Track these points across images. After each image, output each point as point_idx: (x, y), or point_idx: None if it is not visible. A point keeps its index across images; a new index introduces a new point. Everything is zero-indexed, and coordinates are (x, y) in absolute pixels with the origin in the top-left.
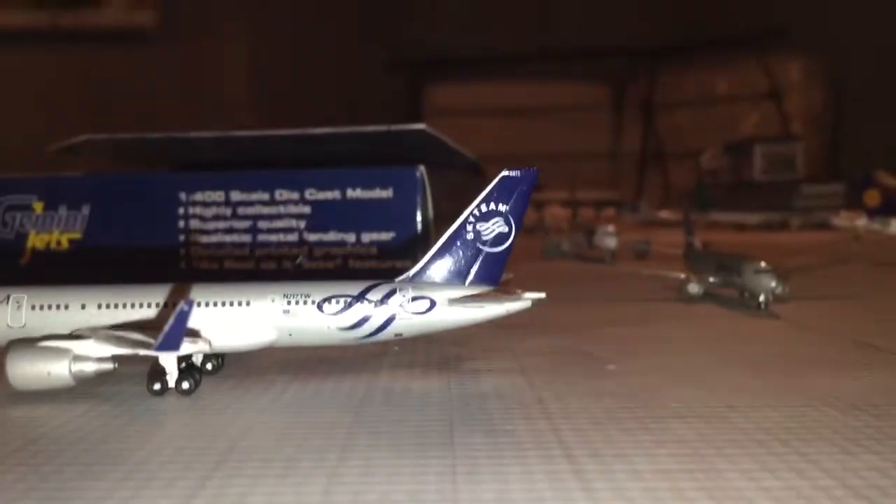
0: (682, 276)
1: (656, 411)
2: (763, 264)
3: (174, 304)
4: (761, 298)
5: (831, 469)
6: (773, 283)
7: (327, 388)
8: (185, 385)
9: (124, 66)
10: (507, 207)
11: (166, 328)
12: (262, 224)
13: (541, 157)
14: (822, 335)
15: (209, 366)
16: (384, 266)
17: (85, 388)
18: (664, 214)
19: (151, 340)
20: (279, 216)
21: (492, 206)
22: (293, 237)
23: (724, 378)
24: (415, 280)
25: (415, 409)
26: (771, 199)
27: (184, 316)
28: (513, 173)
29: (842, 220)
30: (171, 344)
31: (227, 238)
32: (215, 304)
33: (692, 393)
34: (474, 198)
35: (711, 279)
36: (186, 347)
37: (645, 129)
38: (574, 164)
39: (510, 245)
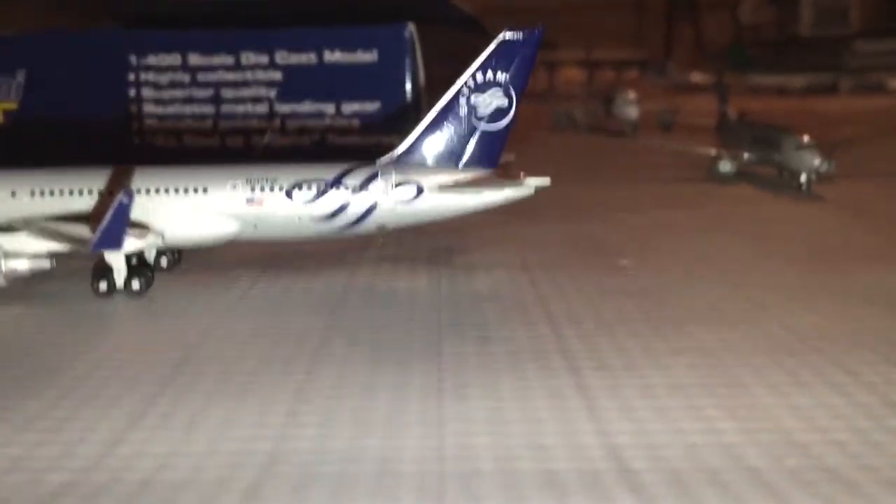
0: (713, 151)
1: (674, 313)
2: (806, 139)
3: (118, 192)
4: (802, 178)
5: (873, 383)
6: (817, 161)
7: (299, 287)
8: (136, 285)
9: None
10: (507, 76)
11: (104, 223)
12: (226, 93)
13: (553, 8)
14: (871, 221)
15: (164, 262)
16: (368, 142)
17: (20, 286)
18: (696, 77)
19: (89, 236)
20: (246, 83)
21: (489, 75)
22: (262, 108)
23: (755, 274)
24: (400, 162)
25: (398, 311)
26: (819, 57)
27: (123, 209)
28: (514, 35)
29: None
30: (109, 241)
31: (186, 109)
32: (167, 192)
33: (716, 292)
34: (473, 60)
35: (746, 155)
36: (133, 244)
37: None
38: (592, 15)
39: (511, 121)
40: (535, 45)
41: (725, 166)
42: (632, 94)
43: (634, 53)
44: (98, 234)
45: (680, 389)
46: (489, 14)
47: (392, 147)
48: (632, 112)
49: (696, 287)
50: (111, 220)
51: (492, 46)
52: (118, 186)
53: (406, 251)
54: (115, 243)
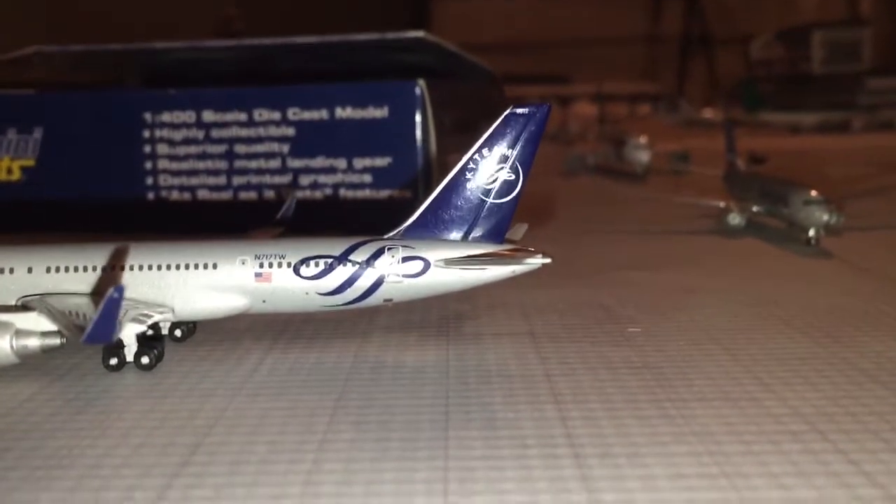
0: (722, 204)
1: (679, 391)
2: (814, 193)
3: (131, 268)
4: (811, 233)
5: (872, 472)
6: (825, 217)
7: (309, 360)
8: (145, 360)
9: None
10: (514, 152)
11: (95, 317)
12: (239, 148)
13: (566, 43)
14: (880, 281)
15: (178, 332)
16: (380, 196)
17: (37, 361)
18: (708, 114)
19: (83, 326)
20: (259, 139)
21: (496, 149)
22: (275, 163)
23: (759, 344)
24: (407, 236)
25: (407, 388)
26: (831, 95)
27: (114, 304)
28: (520, 110)
29: None
30: (100, 335)
31: (200, 165)
32: (178, 268)
33: (721, 365)
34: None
35: (755, 208)
36: (133, 328)
37: (688, 7)
38: (605, 50)
39: (518, 195)
40: (542, 120)
41: (735, 219)
42: (643, 139)
43: (647, 87)
44: (89, 327)
45: (681, 481)
46: (503, 50)
47: (402, 200)
48: (643, 156)
49: (700, 362)
50: (102, 315)
51: (499, 121)
52: (138, 260)
53: (416, 318)
54: (106, 337)
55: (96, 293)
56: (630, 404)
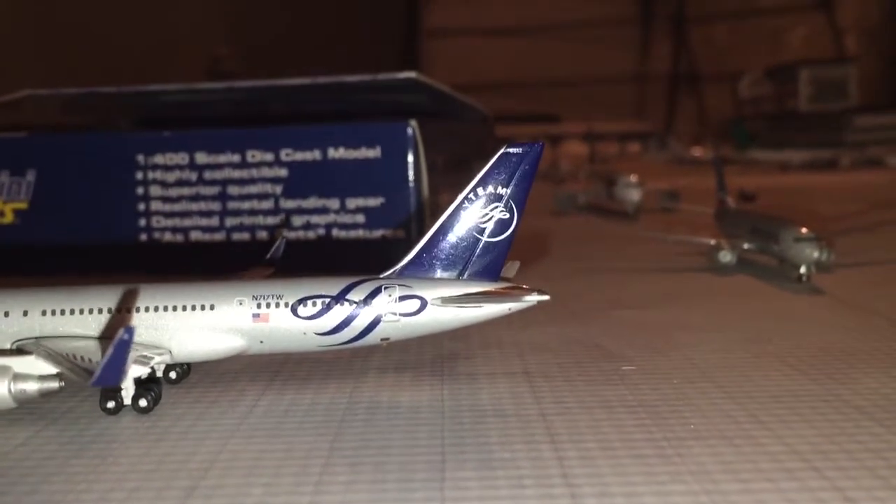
0: (713, 241)
1: (675, 430)
2: (804, 231)
3: (128, 310)
4: (802, 270)
5: None
6: (816, 254)
7: (304, 402)
8: (143, 402)
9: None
10: (509, 190)
11: (105, 360)
12: (232, 190)
13: (556, 82)
14: (872, 317)
15: (173, 374)
16: (373, 236)
17: (32, 404)
18: (697, 153)
19: (91, 369)
20: (252, 180)
21: (490, 188)
22: (268, 204)
23: (753, 381)
24: (403, 275)
25: (402, 429)
26: (819, 132)
27: (124, 346)
28: (514, 149)
29: None
30: (109, 378)
31: (193, 206)
32: (175, 309)
33: (716, 403)
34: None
35: (745, 245)
36: (139, 371)
37: (676, 46)
38: (595, 89)
39: (512, 233)
40: (535, 158)
41: (725, 256)
42: (633, 178)
43: (637, 125)
44: (99, 370)
45: None
46: (494, 89)
47: (395, 240)
48: (634, 194)
49: (696, 400)
50: (112, 357)
51: (493, 160)
52: (133, 304)
53: (411, 358)
54: (115, 379)
55: (94, 336)
56: (626, 443)
